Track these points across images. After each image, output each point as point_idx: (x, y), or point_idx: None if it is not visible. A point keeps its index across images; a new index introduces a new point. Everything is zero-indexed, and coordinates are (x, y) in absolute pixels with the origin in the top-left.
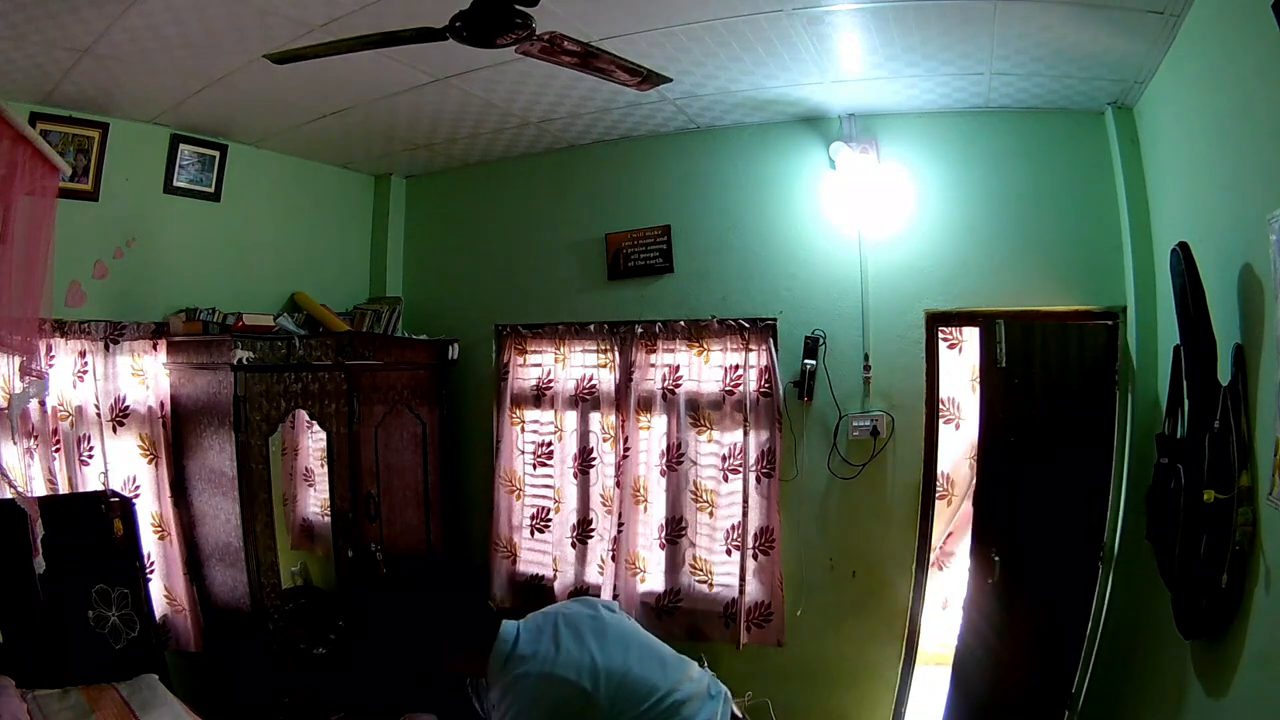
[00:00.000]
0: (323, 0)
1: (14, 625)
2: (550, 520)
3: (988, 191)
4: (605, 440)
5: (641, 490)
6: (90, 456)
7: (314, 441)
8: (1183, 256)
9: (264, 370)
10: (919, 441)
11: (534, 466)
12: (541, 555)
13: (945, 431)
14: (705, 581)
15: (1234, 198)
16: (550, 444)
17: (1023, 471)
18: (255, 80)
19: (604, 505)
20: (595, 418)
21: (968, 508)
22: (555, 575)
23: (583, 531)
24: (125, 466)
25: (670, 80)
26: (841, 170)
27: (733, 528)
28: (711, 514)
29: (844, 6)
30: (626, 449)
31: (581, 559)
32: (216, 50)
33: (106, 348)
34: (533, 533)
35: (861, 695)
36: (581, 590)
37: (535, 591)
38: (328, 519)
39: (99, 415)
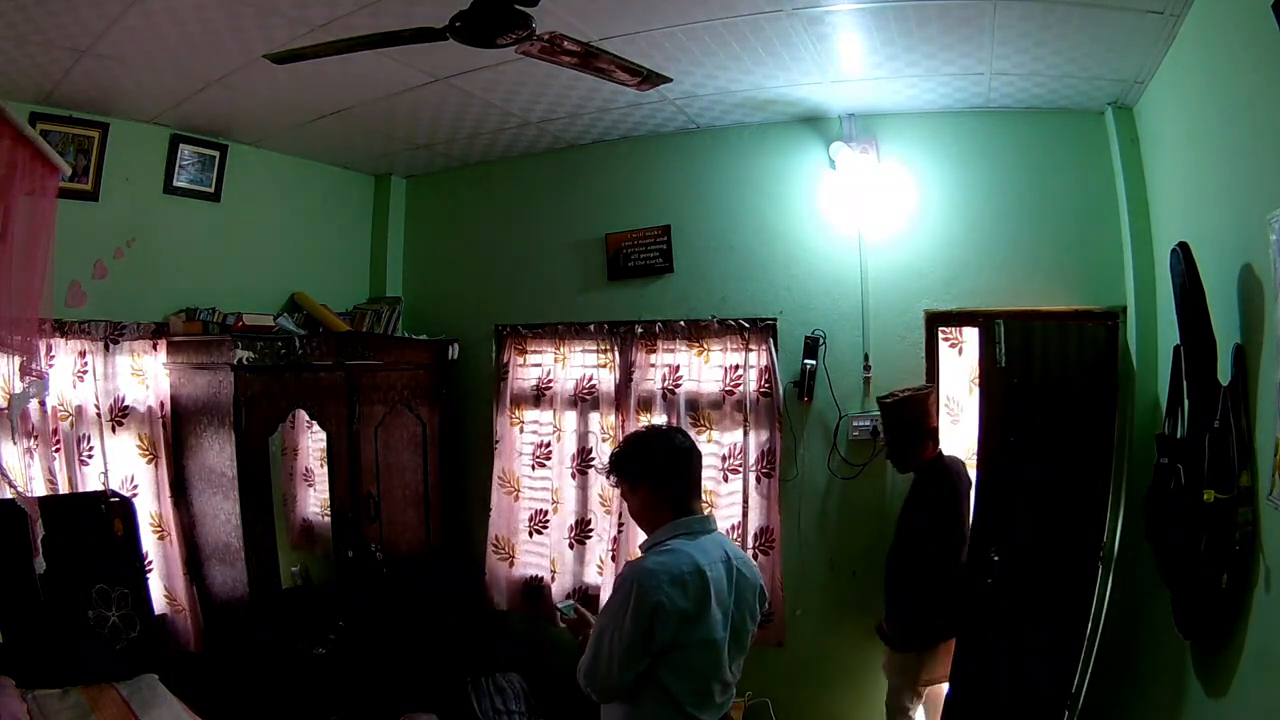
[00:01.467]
0: (323, 0)
1: (14, 625)
2: (548, 521)
3: (988, 191)
4: (605, 440)
5: None
6: (90, 456)
7: (314, 441)
8: (1183, 256)
9: (264, 370)
10: None
11: (533, 467)
12: (539, 557)
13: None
14: None
15: (1234, 198)
16: (549, 444)
17: (1023, 471)
18: (255, 80)
19: (603, 505)
20: (595, 418)
21: None
22: (553, 577)
23: (581, 532)
24: (125, 466)
25: (670, 80)
26: (841, 170)
27: (733, 528)
28: (711, 514)
29: (844, 6)
30: None
31: (580, 560)
32: (216, 50)
33: (106, 348)
34: (531, 534)
35: (861, 695)
36: (580, 590)
37: (533, 593)
38: (328, 519)
39: (99, 415)
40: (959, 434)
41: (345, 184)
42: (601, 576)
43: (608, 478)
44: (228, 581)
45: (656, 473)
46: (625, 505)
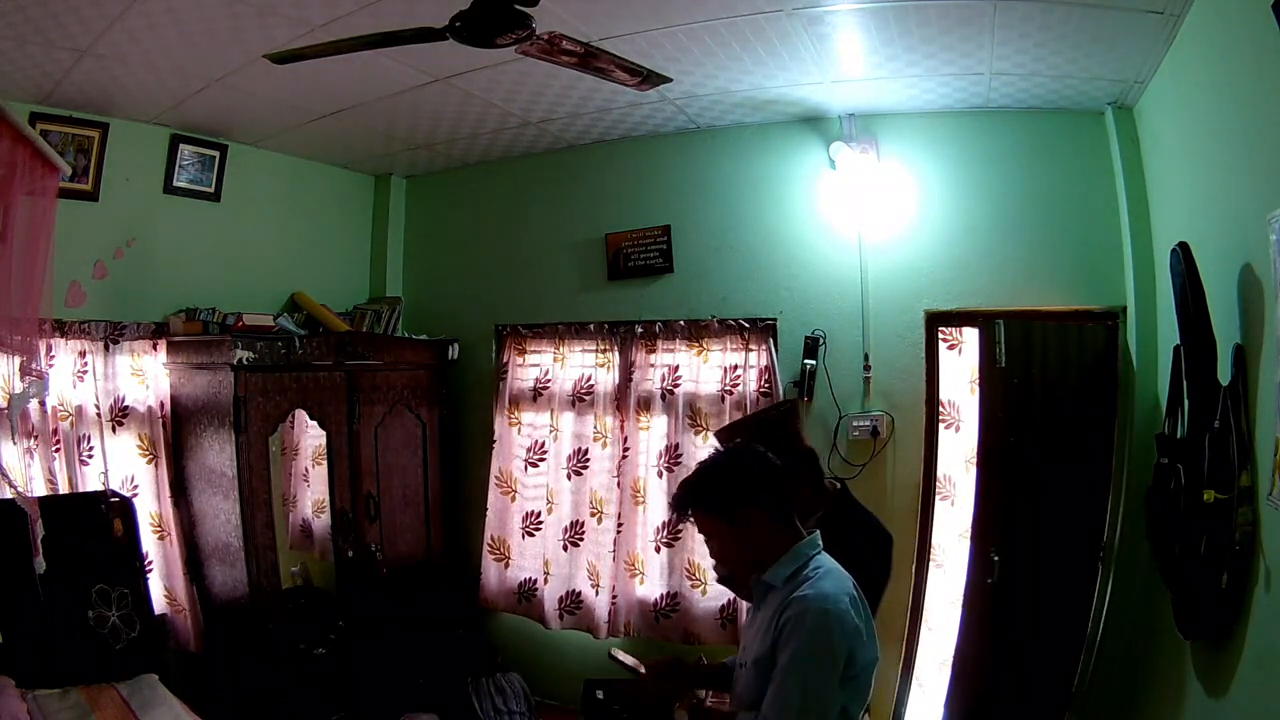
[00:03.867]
0: (322, 0)
1: (14, 625)
2: (543, 522)
3: (988, 192)
4: (597, 440)
5: (641, 491)
6: (90, 456)
7: (314, 441)
8: (1183, 256)
9: (264, 370)
10: (919, 442)
11: (529, 467)
12: (534, 559)
13: (945, 435)
14: (699, 587)
15: (1234, 198)
16: (545, 445)
17: (1022, 471)
18: (255, 80)
19: (592, 508)
20: (592, 418)
21: None
22: (546, 579)
23: (575, 534)
24: (125, 466)
25: (670, 80)
26: (841, 170)
27: None
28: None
29: (844, 6)
30: (626, 449)
31: (572, 563)
32: (216, 50)
33: (106, 348)
34: (526, 535)
35: None
36: (573, 594)
37: (526, 595)
38: (327, 519)
39: (99, 415)
40: (959, 438)
41: (345, 184)
42: (590, 581)
43: (681, 515)
44: (228, 581)
45: (767, 495)
46: (622, 512)
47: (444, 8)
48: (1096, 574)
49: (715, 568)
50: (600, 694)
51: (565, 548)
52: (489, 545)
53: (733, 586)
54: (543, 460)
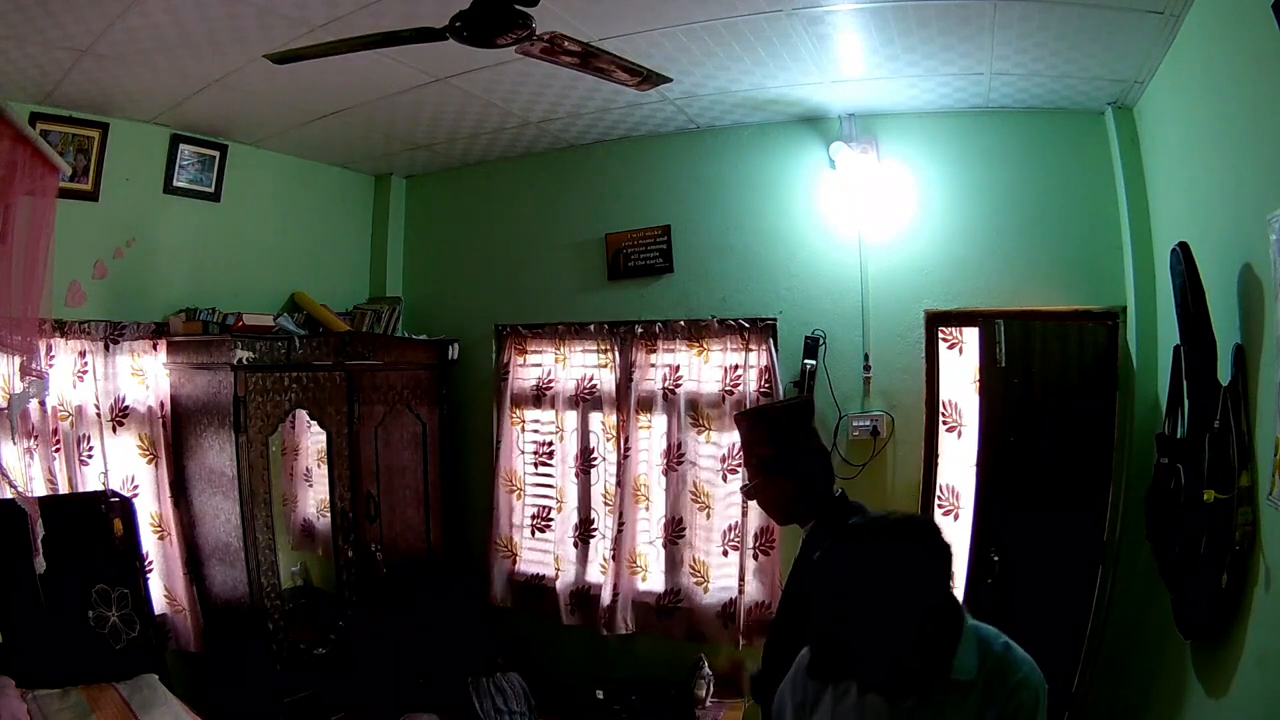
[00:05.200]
0: (323, 0)
1: (14, 625)
2: (552, 520)
3: (988, 191)
4: (606, 440)
5: (642, 490)
6: (90, 456)
7: (314, 441)
8: (1183, 256)
9: (264, 370)
10: (919, 441)
11: (535, 466)
12: (543, 555)
13: (950, 440)
14: (702, 584)
15: (1234, 198)
16: (551, 444)
17: (1022, 471)
18: (255, 80)
19: (605, 505)
20: (596, 418)
21: None
22: (557, 574)
23: (584, 531)
24: (125, 466)
25: (670, 80)
26: (841, 170)
27: (730, 528)
28: (708, 515)
29: (844, 6)
30: (627, 449)
31: (583, 558)
32: (216, 50)
33: (106, 348)
34: (534, 532)
35: None
36: (583, 590)
37: (536, 591)
38: (327, 519)
39: (99, 415)
40: (962, 442)
41: (345, 184)
42: (604, 576)
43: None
44: (228, 581)
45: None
46: (623, 511)
47: (444, 8)
48: (1096, 574)
49: (876, 646)
50: (600, 694)
51: (575, 544)
52: (495, 543)
53: (871, 668)
54: (550, 460)
